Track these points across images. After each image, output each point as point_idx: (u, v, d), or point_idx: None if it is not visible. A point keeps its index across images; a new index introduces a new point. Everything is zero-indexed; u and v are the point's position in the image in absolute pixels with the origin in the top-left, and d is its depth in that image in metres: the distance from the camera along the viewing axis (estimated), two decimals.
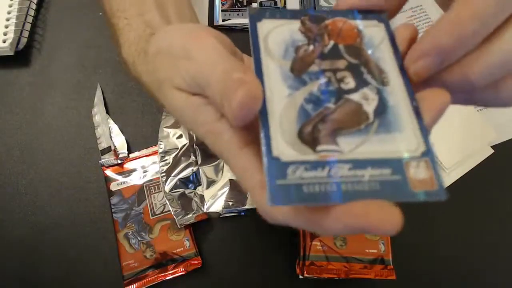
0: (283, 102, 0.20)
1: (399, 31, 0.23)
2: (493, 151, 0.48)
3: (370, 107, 0.20)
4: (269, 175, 0.18)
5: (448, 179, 0.46)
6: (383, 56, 0.22)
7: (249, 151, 0.21)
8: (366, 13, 0.23)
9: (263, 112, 0.20)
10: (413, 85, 0.21)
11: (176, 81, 0.23)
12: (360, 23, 0.23)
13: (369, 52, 0.22)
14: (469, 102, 0.22)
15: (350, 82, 0.21)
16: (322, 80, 0.21)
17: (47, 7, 0.57)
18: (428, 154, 0.19)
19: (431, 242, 0.44)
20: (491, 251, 0.44)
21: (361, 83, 0.21)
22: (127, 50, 0.31)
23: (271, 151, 0.19)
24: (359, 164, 0.19)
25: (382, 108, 0.20)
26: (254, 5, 0.55)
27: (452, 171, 0.47)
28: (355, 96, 0.21)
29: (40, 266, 0.44)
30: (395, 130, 0.20)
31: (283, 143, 0.19)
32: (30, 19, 0.54)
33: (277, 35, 0.22)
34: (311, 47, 0.22)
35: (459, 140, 0.47)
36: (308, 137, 0.19)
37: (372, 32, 0.23)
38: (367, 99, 0.20)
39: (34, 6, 0.55)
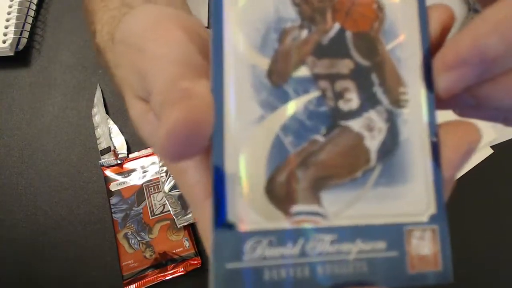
0: (250, 131, 0.14)
1: (432, 14, 0.16)
2: (492, 151, 0.48)
3: (374, 143, 0.15)
4: (216, 255, 0.13)
5: None
6: (407, 55, 0.15)
7: None
8: None
9: (217, 148, 0.13)
10: (437, 100, 0.16)
11: (134, 83, 0.18)
12: None
13: (389, 47, 0.15)
14: (504, 122, 0.17)
15: (352, 100, 0.15)
16: (313, 94, 0.15)
17: (47, 8, 0.57)
18: (438, 219, 0.15)
19: None
20: (491, 251, 0.44)
21: (368, 102, 0.15)
22: (99, 33, 0.26)
23: (224, 214, 0.13)
24: (346, 234, 0.14)
25: (390, 145, 0.15)
26: None
27: None
28: (356, 124, 0.15)
29: (39, 266, 0.44)
30: (401, 181, 0.15)
31: (243, 202, 0.13)
32: (30, 19, 0.54)
33: (255, 6, 0.15)
34: (304, 33, 0.15)
35: None
36: (281, 192, 0.14)
37: (398, 11, 0.16)
38: (371, 130, 0.15)
39: (34, 7, 0.55)
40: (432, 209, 0.15)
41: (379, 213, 0.15)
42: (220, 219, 0.13)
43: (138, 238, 0.43)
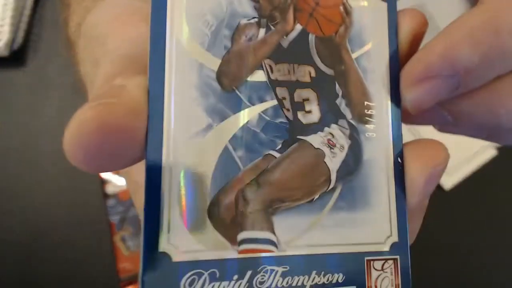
0: (193, 143, 0.12)
1: (401, 21, 0.15)
2: (496, 152, 0.47)
3: (334, 162, 0.13)
4: None
5: (450, 181, 0.46)
6: (374, 65, 0.14)
7: None
8: None
9: (152, 161, 0.12)
10: (407, 116, 0.14)
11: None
12: None
13: (355, 55, 0.14)
14: (488, 139, 0.16)
15: (313, 111, 0.13)
16: (270, 103, 0.13)
17: (43, 5, 0.56)
18: (400, 249, 0.14)
19: (432, 245, 0.44)
20: (494, 253, 0.44)
21: (330, 115, 0.14)
22: (71, 24, 0.25)
23: (156, 242, 0.11)
24: (299, 265, 0.13)
25: (351, 165, 0.14)
26: None
27: (454, 173, 0.46)
28: (316, 139, 0.13)
29: (36, 268, 0.44)
30: (362, 205, 0.13)
31: (181, 227, 0.12)
32: (25, 18, 0.54)
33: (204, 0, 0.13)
34: (262, 33, 0.13)
35: (461, 141, 0.46)
36: (226, 216, 0.12)
37: (367, 16, 0.14)
38: (332, 147, 0.13)
39: (30, 4, 0.55)
40: (394, 237, 0.14)
41: (337, 242, 0.13)
42: (151, 247, 0.11)
43: (135, 241, 0.43)
